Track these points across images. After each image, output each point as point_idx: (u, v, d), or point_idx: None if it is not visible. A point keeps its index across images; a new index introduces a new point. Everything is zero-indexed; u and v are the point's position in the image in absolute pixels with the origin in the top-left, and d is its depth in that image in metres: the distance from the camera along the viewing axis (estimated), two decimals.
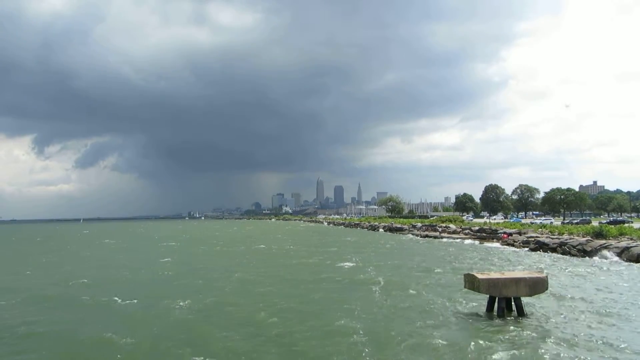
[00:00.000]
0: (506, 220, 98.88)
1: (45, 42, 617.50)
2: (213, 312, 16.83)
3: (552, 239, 42.59)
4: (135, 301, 18.85)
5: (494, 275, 16.00)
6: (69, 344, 13.21)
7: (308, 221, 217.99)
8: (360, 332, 13.77)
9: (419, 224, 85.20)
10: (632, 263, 30.10)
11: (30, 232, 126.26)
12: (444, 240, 58.08)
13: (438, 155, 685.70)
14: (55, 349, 12.75)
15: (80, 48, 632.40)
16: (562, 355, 11.57)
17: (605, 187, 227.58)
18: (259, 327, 14.56)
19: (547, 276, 16.12)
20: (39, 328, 14.96)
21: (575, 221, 77.37)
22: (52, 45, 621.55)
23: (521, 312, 15.41)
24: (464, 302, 17.78)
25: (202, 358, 11.52)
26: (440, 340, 12.76)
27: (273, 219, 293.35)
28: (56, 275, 27.48)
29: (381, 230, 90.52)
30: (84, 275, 26.74)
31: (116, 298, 19.42)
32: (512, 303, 15.73)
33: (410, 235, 70.54)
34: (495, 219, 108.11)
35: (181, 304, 18.06)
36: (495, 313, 15.46)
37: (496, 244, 48.40)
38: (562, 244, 39.18)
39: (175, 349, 12.34)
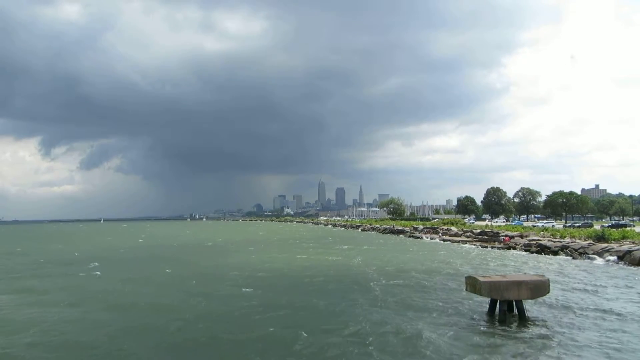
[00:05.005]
0: (508, 223, 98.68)
1: (57, 49, 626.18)
2: None
3: (554, 242, 42.52)
4: None
5: (496, 278, 16.02)
6: None
7: (311, 223, 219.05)
8: (361, 331, 13.83)
9: (421, 226, 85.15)
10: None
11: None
12: (444, 242, 58.02)
13: (439, 158, 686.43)
14: None
15: (90, 55, 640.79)
16: (564, 359, 11.59)
17: (608, 191, 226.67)
18: None
19: (548, 279, 16.13)
20: None
21: (577, 224, 77.18)
22: (63, 52, 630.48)
23: (523, 315, 15.42)
24: (465, 305, 17.80)
25: None
26: (441, 343, 12.78)
27: (274, 221, 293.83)
28: None
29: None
30: None
31: None
32: (514, 306, 15.76)
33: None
34: (497, 221, 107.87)
35: None
36: (496, 316, 15.48)
37: (497, 247, 48.35)
38: (563, 247, 39.12)
39: None
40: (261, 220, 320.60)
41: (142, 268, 32.08)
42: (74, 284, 24.23)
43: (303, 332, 13.75)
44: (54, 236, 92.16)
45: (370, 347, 12.43)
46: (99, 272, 28.93)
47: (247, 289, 21.74)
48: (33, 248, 55.18)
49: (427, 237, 67.79)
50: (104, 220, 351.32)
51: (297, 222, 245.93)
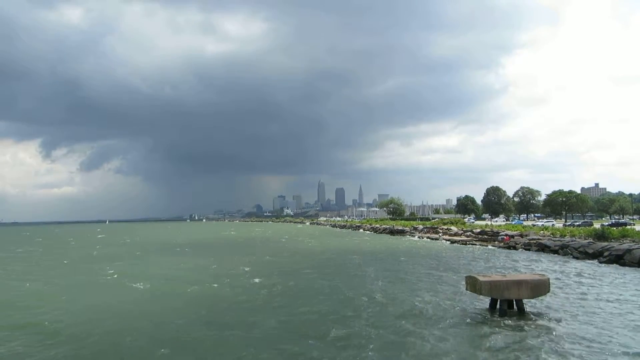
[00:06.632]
0: (508, 222, 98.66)
1: (59, 53, 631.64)
2: None
3: (554, 241, 42.50)
4: None
5: (496, 277, 16.00)
6: None
7: (309, 223, 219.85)
8: (364, 331, 13.81)
9: (421, 226, 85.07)
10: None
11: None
12: (445, 242, 57.98)
13: (438, 158, 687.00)
14: None
15: (92, 58, 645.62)
16: (564, 357, 11.57)
17: (607, 190, 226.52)
18: None
19: (549, 278, 16.12)
20: None
21: (577, 223, 77.13)
22: (65, 56, 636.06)
23: (523, 314, 15.41)
24: (466, 304, 17.77)
25: None
26: (441, 343, 12.77)
27: (270, 222, 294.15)
28: None
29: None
30: None
31: None
32: (514, 305, 15.74)
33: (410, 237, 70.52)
34: (496, 221, 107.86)
35: None
36: (497, 315, 15.45)
37: (497, 246, 48.36)
38: (563, 246, 39.09)
39: None
40: (260, 221, 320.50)
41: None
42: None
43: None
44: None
45: (372, 342, 12.44)
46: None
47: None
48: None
49: (421, 237, 67.90)
50: (109, 222, 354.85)
51: (294, 222, 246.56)
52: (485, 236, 58.53)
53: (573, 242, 39.55)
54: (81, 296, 21.29)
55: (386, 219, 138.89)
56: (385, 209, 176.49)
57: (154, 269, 31.90)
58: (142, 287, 23.70)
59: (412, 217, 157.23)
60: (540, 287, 15.41)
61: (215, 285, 23.67)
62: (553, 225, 73.07)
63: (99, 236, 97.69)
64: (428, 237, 67.06)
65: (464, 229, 68.75)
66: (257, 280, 25.33)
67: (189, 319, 16.08)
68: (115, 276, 28.10)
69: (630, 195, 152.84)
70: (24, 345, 13.39)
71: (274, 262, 35.70)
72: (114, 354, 12.51)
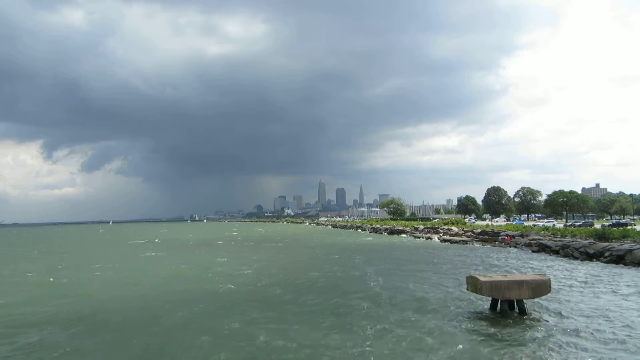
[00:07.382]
0: (509, 222, 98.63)
1: (61, 54, 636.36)
2: None
3: (555, 241, 42.49)
4: None
5: (497, 277, 16.02)
6: None
7: (310, 223, 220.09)
8: (363, 328, 13.86)
9: (422, 226, 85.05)
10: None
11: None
12: (446, 242, 58.00)
13: (439, 158, 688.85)
14: None
15: (93, 59, 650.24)
16: (564, 357, 11.60)
17: (608, 190, 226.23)
18: None
19: (549, 279, 16.14)
20: None
21: (578, 224, 77.07)
22: (66, 57, 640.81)
23: (524, 315, 15.43)
24: (466, 304, 17.79)
25: None
26: (441, 343, 12.80)
27: (270, 222, 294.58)
28: None
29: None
30: None
31: None
32: (515, 305, 15.76)
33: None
34: (497, 221, 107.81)
35: None
36: (498, 316, 15.48)
37: (498, 246, 48.39)
38: (564, 247, 39.07)
39: None
40: (261, 221, 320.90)
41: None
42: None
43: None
44: None
45: (373, 341, 12.49)
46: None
47: None
48: None
49: (422, 237, 67.84)
50: (112, 222, 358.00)
51: (294, 222, 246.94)
52: (486, 236, 58.58)
53: (574, 243, 39.53)
54: (86, 294, 21.40)
55: (387, 219, 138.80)
56: (385, 209, 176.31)
57: (158, 268, 32.02)
58: (145, 285, 23.88)
59: (413, 217, 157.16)
60: (541, 288, 15.42)
61: (218, 283, 23.75)
62: (554, 225, 72.96)
63: (105, 237, 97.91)
64: (429, 237, 67.08)
65: (465, 229, 68.79)
66: (259, 277, 25.42)
67: (195, 316, 16.24)
68: (118, 276, 28.19)
69: (631, 195, 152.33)
70: (27, 345, 13.50)
71: (276, 262, 35.82)
72: (116, 353, 12.60)
